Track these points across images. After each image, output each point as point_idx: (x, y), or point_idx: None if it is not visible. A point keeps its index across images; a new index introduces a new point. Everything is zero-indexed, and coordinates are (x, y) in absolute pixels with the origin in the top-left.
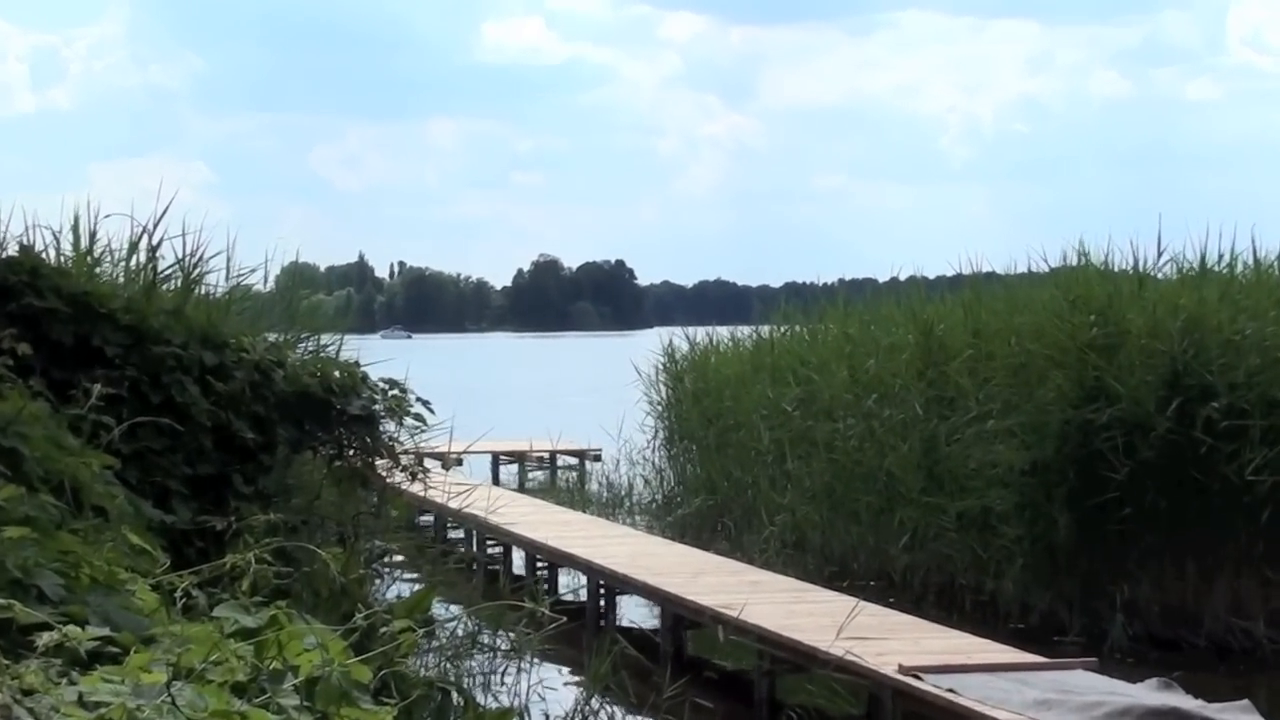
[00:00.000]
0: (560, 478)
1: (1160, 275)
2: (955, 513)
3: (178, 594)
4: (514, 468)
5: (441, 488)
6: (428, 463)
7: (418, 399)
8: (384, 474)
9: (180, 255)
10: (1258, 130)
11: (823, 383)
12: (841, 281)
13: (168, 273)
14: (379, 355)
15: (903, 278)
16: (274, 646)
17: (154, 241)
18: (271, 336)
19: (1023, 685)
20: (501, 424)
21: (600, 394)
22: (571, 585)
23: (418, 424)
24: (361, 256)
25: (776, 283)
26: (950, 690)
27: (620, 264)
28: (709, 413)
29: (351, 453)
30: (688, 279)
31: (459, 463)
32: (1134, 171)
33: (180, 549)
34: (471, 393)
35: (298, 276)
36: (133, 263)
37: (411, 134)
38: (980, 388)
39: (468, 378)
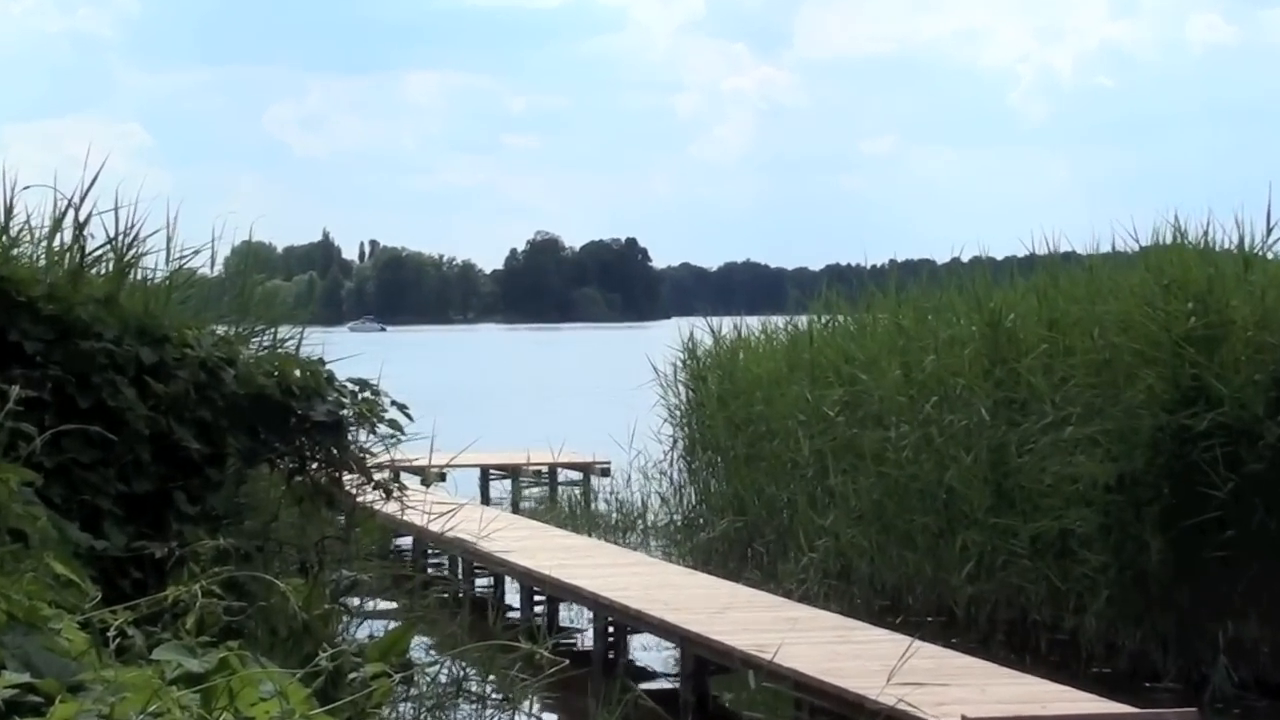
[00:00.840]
0: (561, 495)
1: (1270, 255)
2: (1028, 536)
3: (110, 633)
4: (507, 484)
5: (422, 507)
6: (405, 478)
7: (393, 403)
8: (353, 491)
9: (112, 234)
10: None
11: (871, 383)
12: (893, 263)
13: (98, 254)
14: (347, 351)
15: (965, 258)
16: (224, 695)
17: (81, 217)
18: (220, 329)
19: None
20: (492, 432)
21: (608, 397)
22: (575, 622)
23: (393, 432)
24: (326, 235)
25: (816, 265)
26: None
27: (631, 243)
28: (737, 419)
29: (315, 466)
30: (711, 261)
31: (442, 478)
32: (1239, 132)
33: (113, 580)
34: (457, 395)
35: (251, 258)
36: (56, 243)
37: (385, 90)
38: (1057, 389)
39: (452, 378)
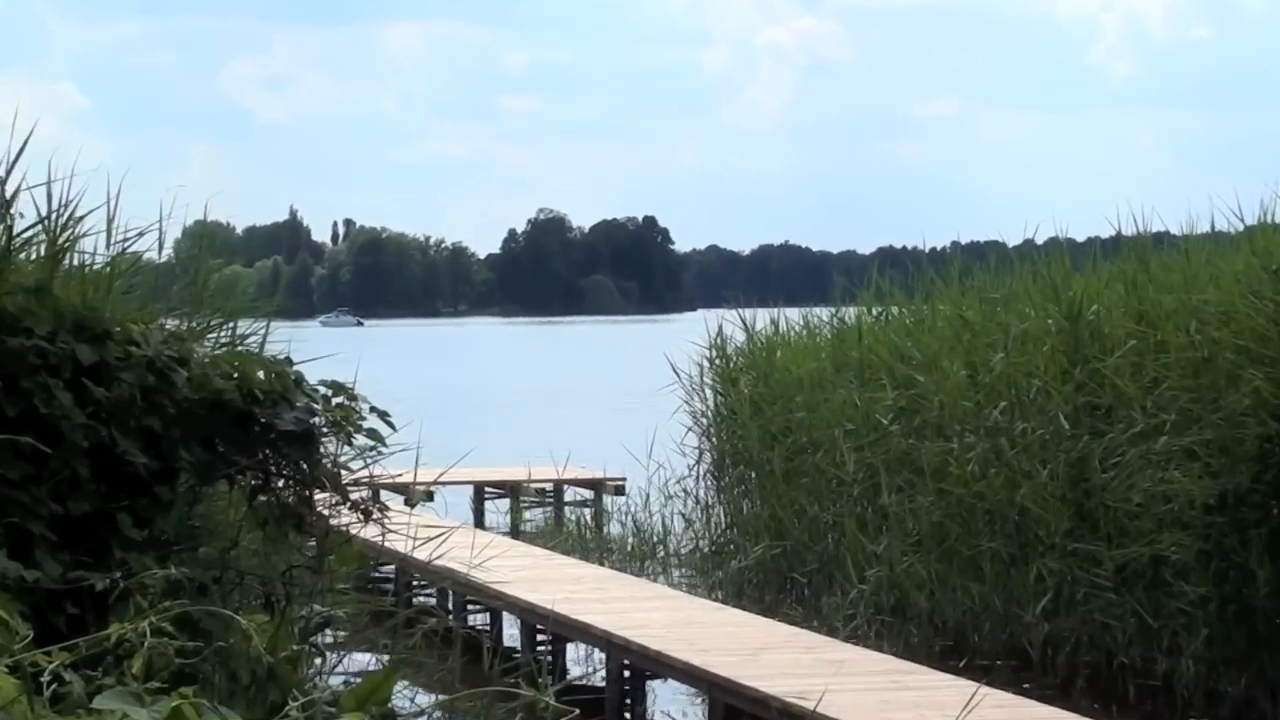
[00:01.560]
0: (569, 517)
1: None
2: (1114, 565)
3: (45, 677)
4: (505, 504)
5: (406, 531)
6: (387, 497)
7: (372, 409)
8: (326, 513)
9: (44, 212)
10: None
11: (931, 386)
12: (955, 245)
13: (26, 236)
14: (319, 349)
15: (1040, 240)
16: None
17: (7, 193)
18: (171, 324)
19: None
20: (488, 444)
21: (623, 402)
22: (585, 665)
23: (373, 444)
24: (293, 214)
25: (866, 247)
26: None
27: (650, 223)
28: (774, 428)
29: (282, 483)
30: (743, 243)
31: (429, 497)
32: None
33: (47, 616)
34: (447, 401)
35: (206, 241)
36: None
37: (361, 44)
38: (1148, 392)
39: (441, 380)
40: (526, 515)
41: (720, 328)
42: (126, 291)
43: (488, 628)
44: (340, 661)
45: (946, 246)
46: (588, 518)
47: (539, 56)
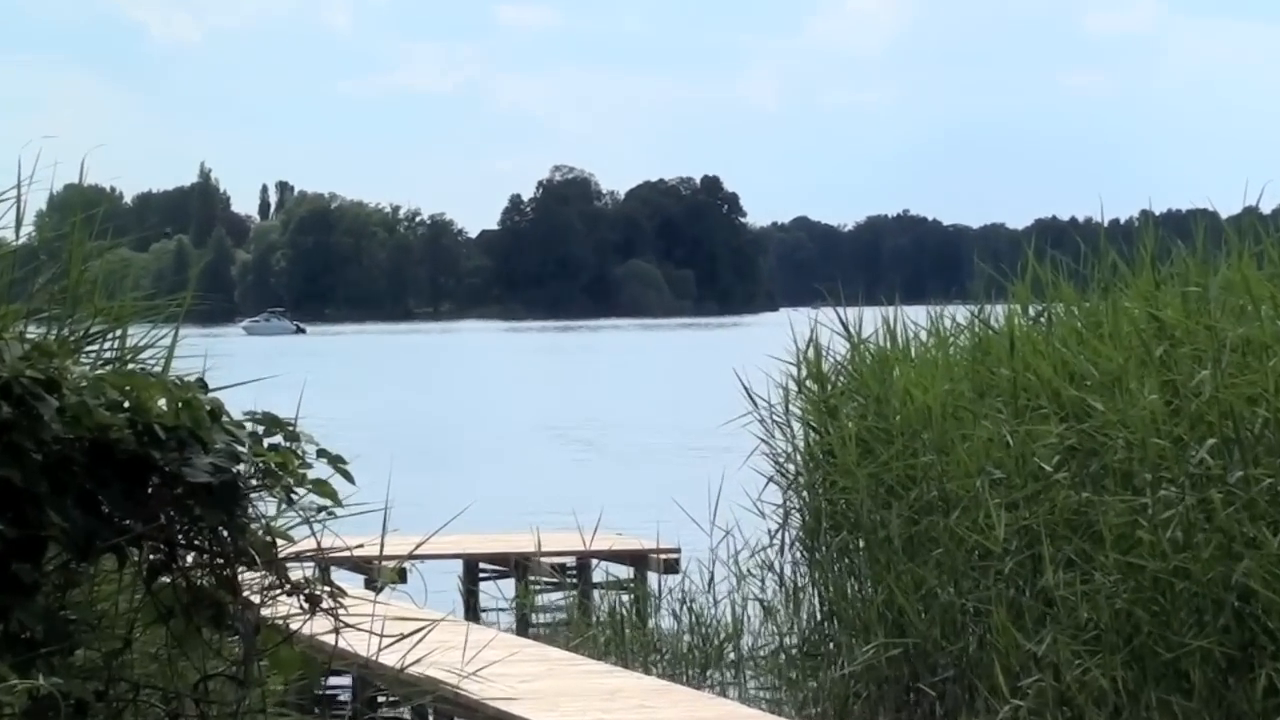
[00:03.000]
0: (600, 605)
1: None
2: None
3: None
4: (509, 586)
5: (369, 626)
6: (342, 578)
7: (321, 453)
8: (256, 600)
9: None
10: None
11: (1112, 416)
12: (1147, 217)
13: None
14: (244, 367)
15: (1269, 208)
16: None
17: None
18: (33, 332)
19: None
20: (485, 501)
21: (676, 441)
22: None
23: (322, 503)
24: (205, 174)
25: (1018, 220)
26: None
27: (712, 186)
28: (891, 477)
29: (193, 559)
30: (844, 214)
31: (402, 577)
32: None
33: None
34: (426, 441)
35: (81, 214)
36: None
37: None
38: None
39: (418, 411)
40: (539, 602)
41: (813, 334)
42: None
43: None
44: None
45: (1133, 218)
46: (626, 605)
47: None
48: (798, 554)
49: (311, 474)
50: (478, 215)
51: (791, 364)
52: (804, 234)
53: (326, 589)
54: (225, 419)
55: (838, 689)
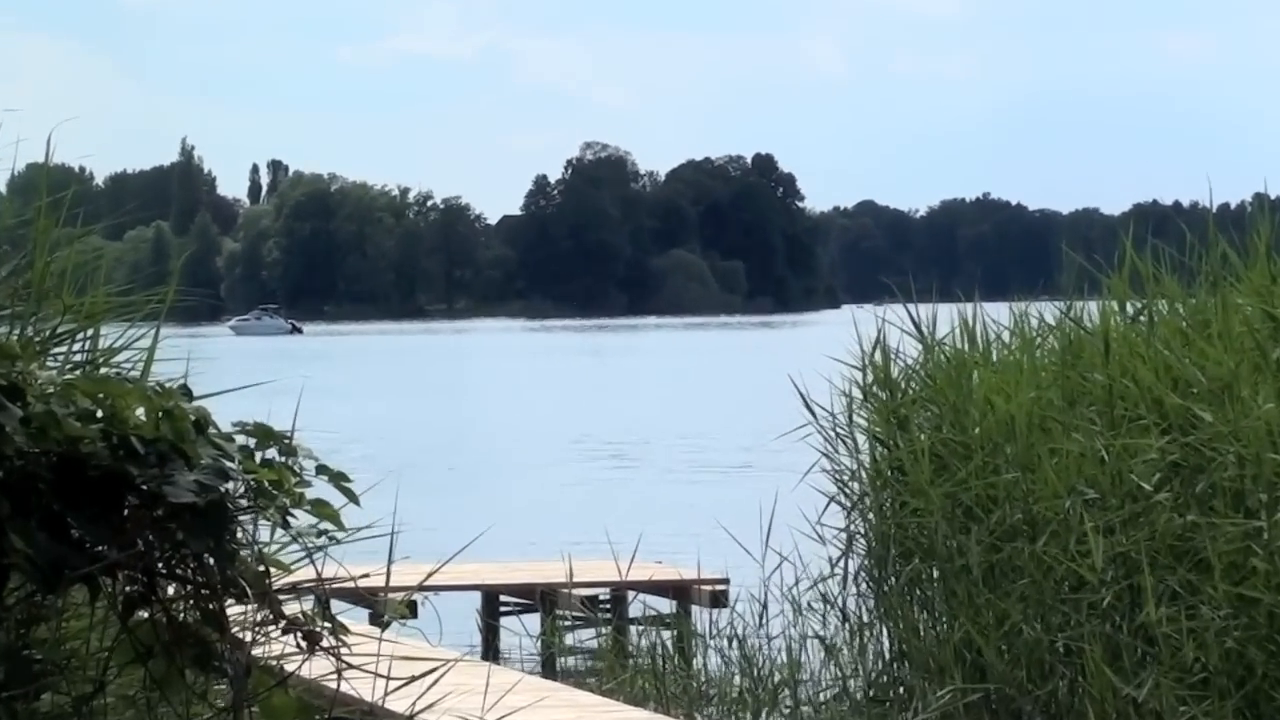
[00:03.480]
0: (637, 642)
1: None
2: None
3: None
4: (534, 622)
5: (374, 666)
6: (343, 612)
7: (321, 469)
8: (247, 637)
9: None
10: None
11: (1220, 425)
12: (1261, 201)
13: None
14: (233, 372)
15: None
16: None
17: None
18: None
19: None
20: (506, 524)
21: (725, 456)
22: None
23: (322, 526)
24: (188, 151)
25: (1113, 204)
26: None
27: (765, 165)
28: (969, 497)
29: (174, 590)
30: (916, 198)
31: (412, 611)
32: None
33: None
34: (438, 456)
35: (46, 197)
36: None
37: None
38: None
39: (430, 423)
40: (568, 640)
41: (880, 335)
42: None
43: None
44: None
45: (1246, 202)
46: (667, 644)
47: None
48: (863, 585)
49: (310, 493)
50: (498, 199)
51: (856, 368)
52: (870, 220)
53: (327, 625)
54: (212, 431)
55: None
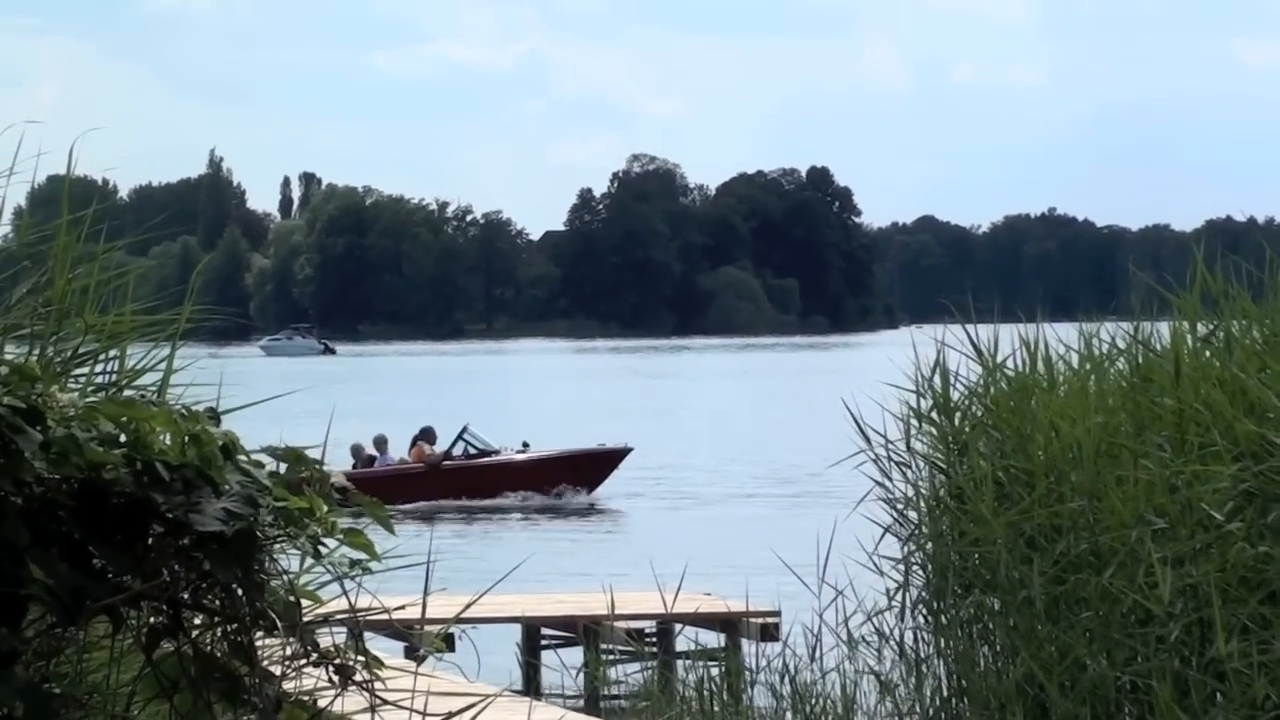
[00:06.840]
0: (684, 677)
1: None
2: None
3: None
4: (575, 655)
5: (410, 701)
6: (377, 645)
7: (353, 496)
8: (277, 671)
9: None
10: None
11: None
12: None
13: None
14: (263, 393)
15: None
16: None
17: None
18: (11, 351)
19: None
20: (545, 555)
21: (777, 483)
22: None
23: (356, 557)
24: (216, 163)
25: (1185, 220)
26: None
27: (820, 179)
28: (1031, 526)
29: (201, 621)
30: (978, 214)
31: (449, 645)
32: None
33: None
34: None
35: (68, 212)
36: None
37: None
38: None
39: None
40: (612, 674)
41: (940, 357)
42: None
43: None
44: None
45: None
46: (716, 679)
47: None
48: (920, 618)
49: (343, 522)
50: (541, 214)
51: (913, 392)
52: (930, 237)
53: (360, 659)
54: (241, 456)
55: None
